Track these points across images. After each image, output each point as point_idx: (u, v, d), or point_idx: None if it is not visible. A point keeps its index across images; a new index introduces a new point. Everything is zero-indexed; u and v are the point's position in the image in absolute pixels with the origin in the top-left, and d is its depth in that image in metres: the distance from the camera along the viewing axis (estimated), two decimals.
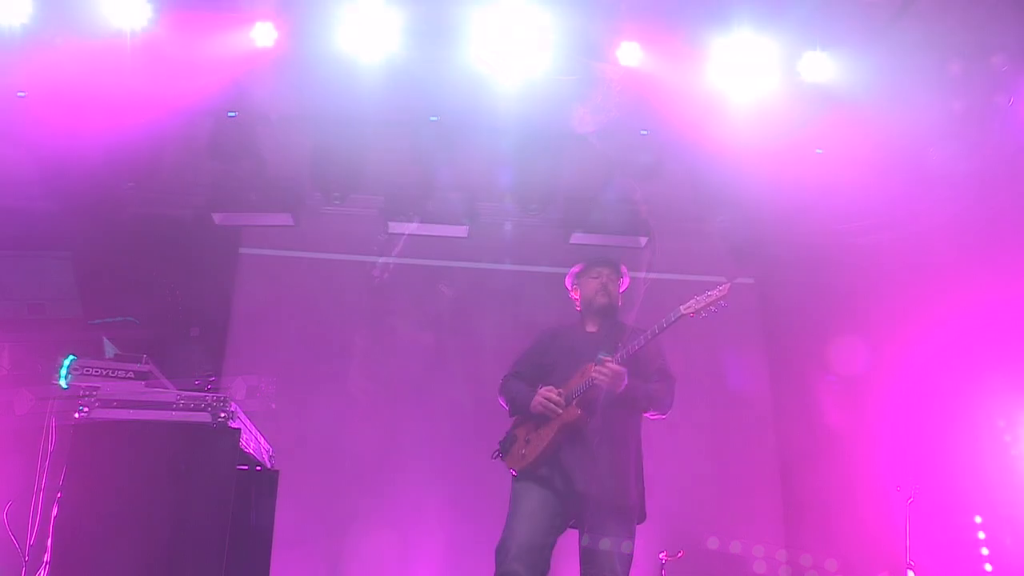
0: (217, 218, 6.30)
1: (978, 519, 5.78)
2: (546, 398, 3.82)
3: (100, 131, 5.44)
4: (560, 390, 3.82)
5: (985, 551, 5.71)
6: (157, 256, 6.47)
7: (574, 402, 3.78)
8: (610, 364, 3.66)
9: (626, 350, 3.75)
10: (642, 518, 3.85)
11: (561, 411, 3.76)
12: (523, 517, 3.66)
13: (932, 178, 6.06)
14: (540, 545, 3.60)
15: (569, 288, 4.32)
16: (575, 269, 4.29)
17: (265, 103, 5.82)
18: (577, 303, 4.25)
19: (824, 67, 5.34)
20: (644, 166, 5.92)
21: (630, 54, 5.34)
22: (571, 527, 3.81)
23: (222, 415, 3.37)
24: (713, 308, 3.69)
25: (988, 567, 5.67)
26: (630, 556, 3.69)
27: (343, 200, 6.07)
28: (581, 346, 4.00)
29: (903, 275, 6.40)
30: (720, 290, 3.70)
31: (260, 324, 6.74)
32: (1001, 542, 5.65)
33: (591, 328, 4.14)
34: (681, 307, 3.73)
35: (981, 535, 5.75)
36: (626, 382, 3.72)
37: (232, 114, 5.65)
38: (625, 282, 4.27)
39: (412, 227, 6.39)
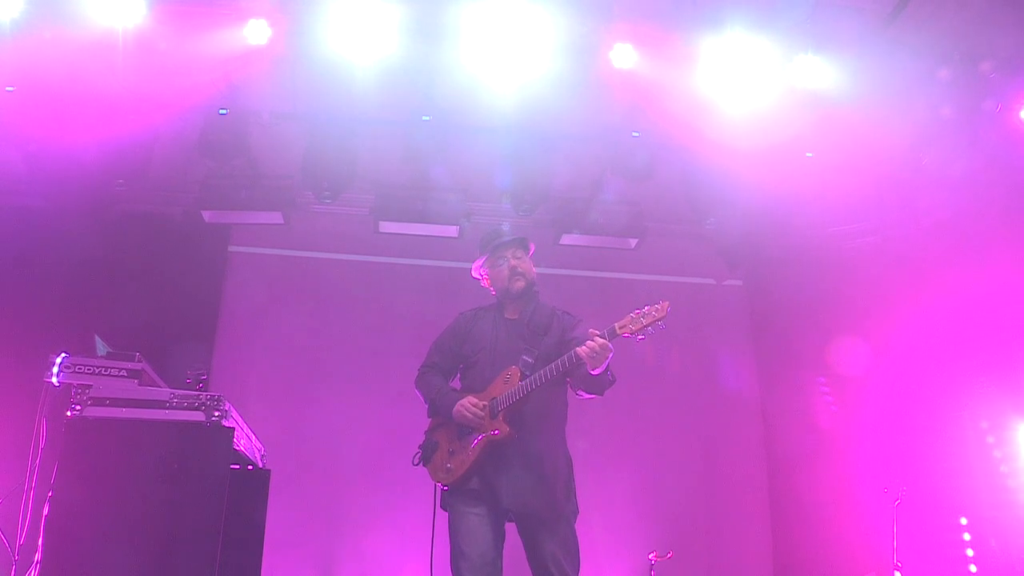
0: (207, 216, 6.26)
1: (963, 520, 5.84)
2: (468, 411, 3.64)
3: (90, 127, 5.39)
4: (483, 404, 3.64)
5: (970, 552, 5.77)
6: (147, 254, 6.43)
7: (500, 415, 3.60)
8: (599, 339, 3.39)
9: (543, 374, 3.55)
10: (576, 512, 3.74)
11: (484, 422, 3.62)
12: (467, 536, 3.58)
13: (921, 183, 6.13)
14: (491, 559, 3.56)
15: (479, 279, 4.05)
16: (478, 262, 4.03)
17: (257, 101, 5.79)
18: (491, 290, 4.02)
19: (816, 71, 5.38)
20: (636, 168, 5.93)
21: (624, 56, 5.36)
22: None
23: (216, 414, 3.33)
24: (651, 329, 3.39)
25: (973, 568, 5.72)
26: (575, 545, 3.63)
27: (334, 199, 6.03)
28: (503, 340, 3.80)
29: (891, 278, 6.47)
30: (658, 309, 3.38)
31: (250, 322, 6.71)
32: (986, 543, 5.72)
33: (511, 315, 3.91)
34: (616, 325, 3.44)
35: (966, 536, 5.81)
36: (609, 360, 3.44)
37: (223, 111, 5.61)
38: (531, 250, 4.02)
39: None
